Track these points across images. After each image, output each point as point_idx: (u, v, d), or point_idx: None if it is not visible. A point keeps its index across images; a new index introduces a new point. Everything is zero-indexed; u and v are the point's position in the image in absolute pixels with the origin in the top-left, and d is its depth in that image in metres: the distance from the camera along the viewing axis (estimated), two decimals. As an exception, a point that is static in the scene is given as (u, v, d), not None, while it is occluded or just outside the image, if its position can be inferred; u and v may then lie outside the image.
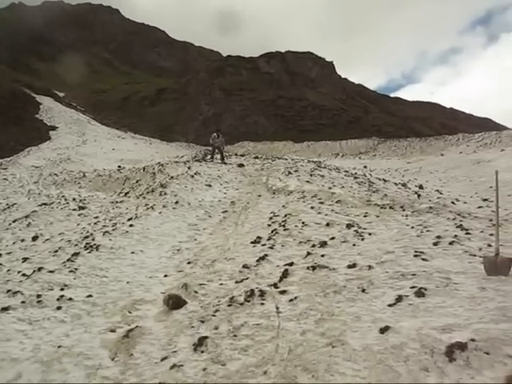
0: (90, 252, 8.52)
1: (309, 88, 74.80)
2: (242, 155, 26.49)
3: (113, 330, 5.08)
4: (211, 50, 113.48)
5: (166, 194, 13.75)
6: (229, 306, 5.22)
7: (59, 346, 4.72)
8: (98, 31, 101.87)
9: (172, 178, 16.08)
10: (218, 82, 70.19)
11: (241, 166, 19.63)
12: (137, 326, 5.03)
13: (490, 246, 6.30)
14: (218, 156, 21.48)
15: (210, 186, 15.35)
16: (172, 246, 9.14)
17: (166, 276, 7.25)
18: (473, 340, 3.33)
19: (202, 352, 4.21)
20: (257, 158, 23.85)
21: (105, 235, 9.71)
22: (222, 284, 6.31)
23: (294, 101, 69.20)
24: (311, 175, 16.04)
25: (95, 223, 11.46)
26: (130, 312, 5.60)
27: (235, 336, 4.42)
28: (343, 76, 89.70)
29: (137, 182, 17.59)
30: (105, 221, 11.55)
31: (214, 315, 5.05)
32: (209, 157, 22.16)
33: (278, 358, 3.83)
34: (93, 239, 9.46)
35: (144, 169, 20.24)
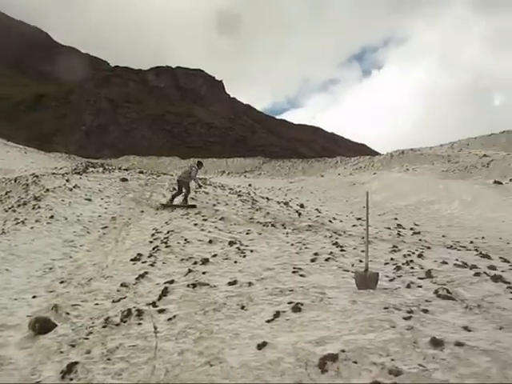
0: None
1: (198, 105, 75.46)
2: (126, 169, 25.61)
3: (-35, 363, 4.48)
4: (98, 59, 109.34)
5: (39, 207, 12.78)
6: (103, 327, 4.91)
7: None
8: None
9: (48, 190, 15.03)
10: (104, 92, 67.93)
11: (124, 180, 18.97)
12: (-6, 356, 4.49)
13: (361, 261, 6.74)
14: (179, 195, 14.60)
15: (89, 200, 14.59)
16: (44, 264, 8.43)
17: (34, 297, 6.61)
18: (343, 351, 3.51)
19: (71, 380, 3.87)
20: (141, 172, 23.25)
21: (-36, 253, 8.67)
22: (97, 304, 5.93)
23: (183, 117, 69.28)
24: (196, 192, 16.00)
25: (-47, 239, 10.20)
26: (-13, 340, 4.99)
27: (109, 359, 4.15)
28: (232, 95, 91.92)
29: (6, 193, 16.11)
30: (-35, 237, 10.34)
31: (86, 338, 4.70)
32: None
33: (155, 380, 3.67)
34: None
35: (16, 180, 18.65)
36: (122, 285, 6.49)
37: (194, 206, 13.73)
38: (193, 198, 14.79)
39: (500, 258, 7.44)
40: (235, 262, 7.20)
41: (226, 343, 4.07)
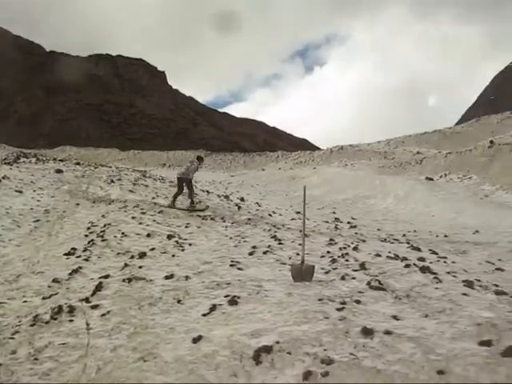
0: None
1: (139, 96, 73.77)
2: (62, 160, 24.59)
3: None
4: (32, 42, 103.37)
5: (-37, 199, 11.98)
6: (32, 325, 4.68)
7: None
8: None
9: (-27, 182, 14.10)
10: (39, 78, 64.74)
11: (59, 171, 18.21)
12: None
13: (298, 254, 6.85)
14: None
15: (20, 192, 13.86)
16: (-33, 260, 7.92)
17: (-45, 295, 6.21)
18: (277, 342, 3.57)
19: (-8, 383, 3.67)
20: (78, 164, 22.45)
21: None
22: (25, 301, 5.65)
23: (123, 107, 67.51)
24: (135, 184, 15.68)
25: None
26: None
27: (36, 359, 3.96)
28: (174, 87, 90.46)
29: None
30: None
31: (11, 338, 4.46)
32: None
33: (85, 379, 3.55)
34: None
35: None
36: (53, 280, 6.21)
37: (203, 210, 12.10)
38: (131, 191, 14.44)
39: (429, 250, 7.83)
40: (173, 255, 7.11)
41: (160, 338, 4.02)
